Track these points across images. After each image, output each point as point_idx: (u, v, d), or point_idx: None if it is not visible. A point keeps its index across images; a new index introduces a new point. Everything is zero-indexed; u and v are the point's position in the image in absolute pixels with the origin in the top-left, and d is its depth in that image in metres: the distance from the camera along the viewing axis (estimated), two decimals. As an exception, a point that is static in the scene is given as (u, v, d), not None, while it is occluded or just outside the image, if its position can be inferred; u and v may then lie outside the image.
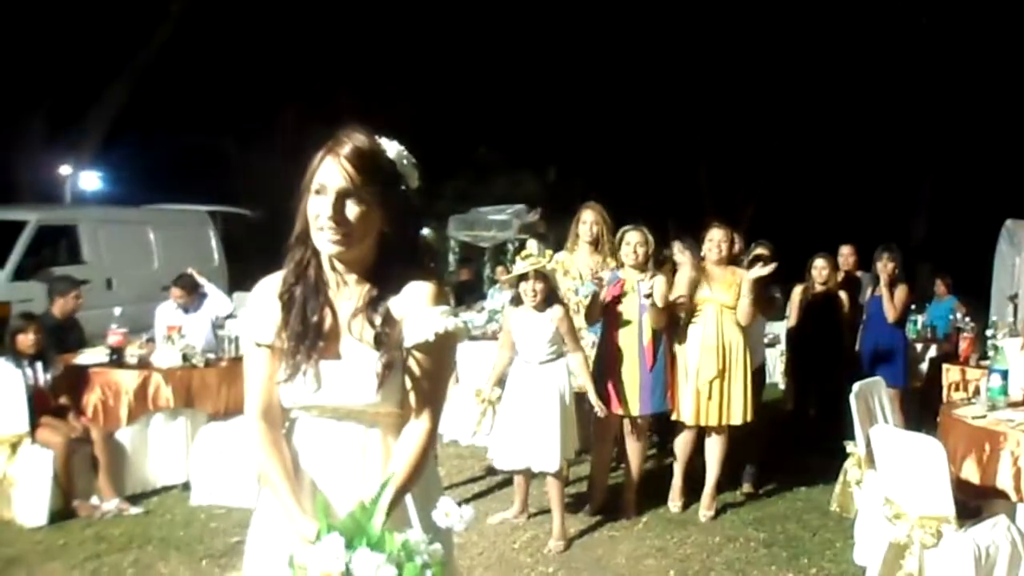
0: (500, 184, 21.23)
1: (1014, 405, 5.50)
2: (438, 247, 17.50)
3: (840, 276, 8.13)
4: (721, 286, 6.13)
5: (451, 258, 16.37)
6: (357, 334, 2.22)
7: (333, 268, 2.25)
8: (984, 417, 5.26)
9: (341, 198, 2.14)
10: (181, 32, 17.29)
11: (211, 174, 19.96)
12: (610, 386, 5.97)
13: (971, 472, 5.04)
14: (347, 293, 2.25)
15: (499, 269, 12.43)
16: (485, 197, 18.97)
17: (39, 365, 6.24)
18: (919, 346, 9.16)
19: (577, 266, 6.55)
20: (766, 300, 6.70)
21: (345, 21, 19.34)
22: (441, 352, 2.23)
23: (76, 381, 6.55)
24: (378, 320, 2.20)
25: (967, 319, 8.67)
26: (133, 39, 16.95)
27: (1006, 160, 23.00)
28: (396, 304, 2.21)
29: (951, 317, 9.81)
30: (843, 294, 7.76)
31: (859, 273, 8.54)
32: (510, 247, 14.70)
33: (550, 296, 5.64)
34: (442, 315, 2.20)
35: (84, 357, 6.91)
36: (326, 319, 2.24)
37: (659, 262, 6.23)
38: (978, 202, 22.24)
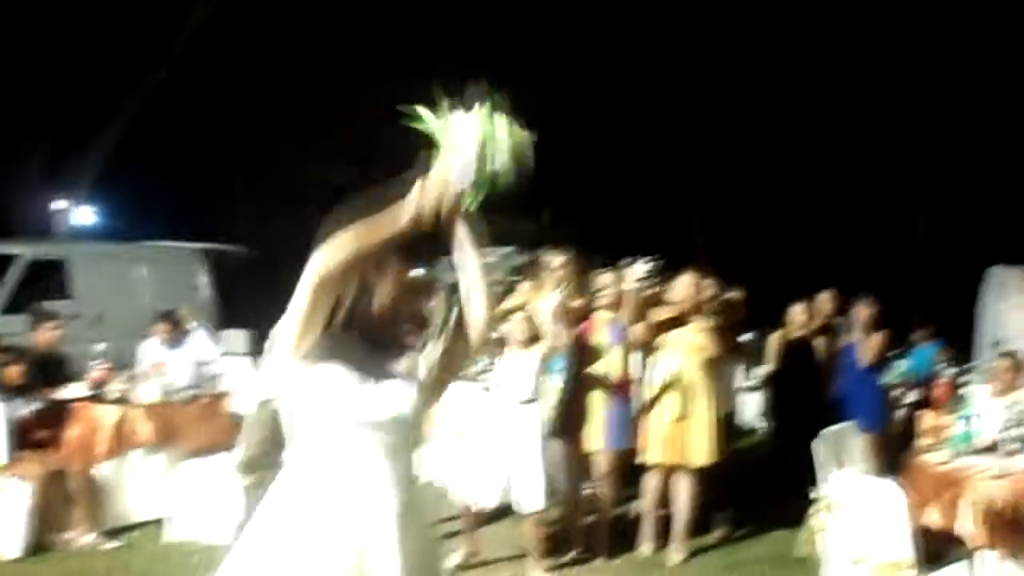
0: (494, 226, 21.38)
1: (979, 451, 5.58)
2: (431, 288, 17.60)
3: (819, 322, 8.20)
4: (688, 328, 6.21)
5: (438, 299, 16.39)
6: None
7: None
8: (948, 463, 5.34)
9: None
10: (179, 69, 17.47)
11: (208, 211, 20.07)
12: (578, 422, 6.03)
13: (934, 518, 5.10)
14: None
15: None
16: (478, 238, 19.09)
17: (22, 398, 6.31)
18: (898, 391, 9.20)
19: (544, 308, 6.62)
20: (731, 346, 6.78)
21: (340, 62, 19.53)
22: None
23: (57, 415, 6.61)
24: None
25: (944, 365, 8.74)
26: (131, 76, 17.12)
27: (996, 205, 23.14)
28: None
29: (932, 362, 9.91)
30: (821, 340, 7.84)
31: (838, 319, 8.60)
32: (498, 289, 14.75)
33: (535, 334, 5.73)
34: None
35: (66, 391, 6.95)
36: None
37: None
38: (970, 247, 22.37)
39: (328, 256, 2.50)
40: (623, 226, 24.01)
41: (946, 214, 25.28)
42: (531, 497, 5.63)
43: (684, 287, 6.29)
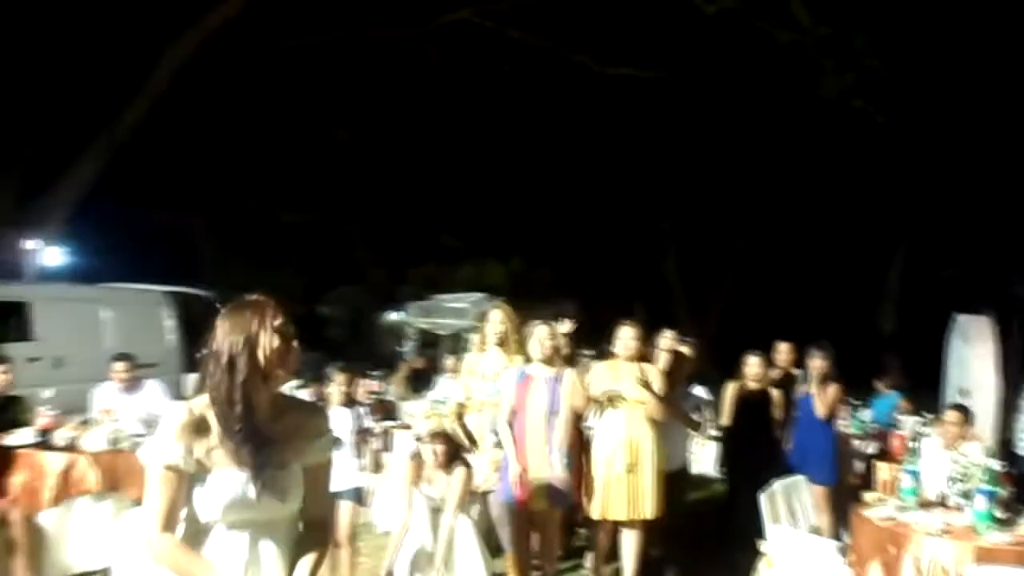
0: (466, 272, 21.49)
1: (925, 505, 5.56)
2: (402, 333, 17.58)
3: (777, 373, 8.20)
4: (631, 382, 6.18)
5: (408, 344, 16.39)
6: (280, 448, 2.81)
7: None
8: (892, 519, 5.32)
9: None
10: (153, 112, 17.46)
11: (177, 254, 20.09)
12: (519, 479, 5.96)
13: (877, 574, 5.08)
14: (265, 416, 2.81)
15: (449, 360, 12.43)
16: (451, 284, 19.22)
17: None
18: (858, 442, 9.17)
19: (483, 367, 6.58)
20: (683, 416, 6.78)
21: (315, 110, 19.62)
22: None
23: (1, 461, 6.52)
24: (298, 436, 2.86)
25: (899, 416, 8.74)
26: (105, 117, 17.09)
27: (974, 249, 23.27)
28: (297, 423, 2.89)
29: (893, 412, 9.88)
30: (776, 391, 7.82)
31: (795, 370, 8.58)
32: (467, 336, 14.78)
33: (454, 453, 5.64)
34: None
35: (12, 437, 6.87)
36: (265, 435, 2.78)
37: (568, 358, 6.28)
38: (944, 293, 22.43)
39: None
40: (597, 270, 24.12)
41: (923, 258, 25.41)
42: None
43: (625, 341, 6.26)
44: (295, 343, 2.84)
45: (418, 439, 5.80)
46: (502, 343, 6.44)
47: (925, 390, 11.28)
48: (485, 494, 6.01)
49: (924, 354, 13.79)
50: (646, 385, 6.16)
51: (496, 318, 6.56)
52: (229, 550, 2.74)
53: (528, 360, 6.09)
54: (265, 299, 2.89)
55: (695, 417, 7.36)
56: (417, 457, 5.77)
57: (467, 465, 5.70)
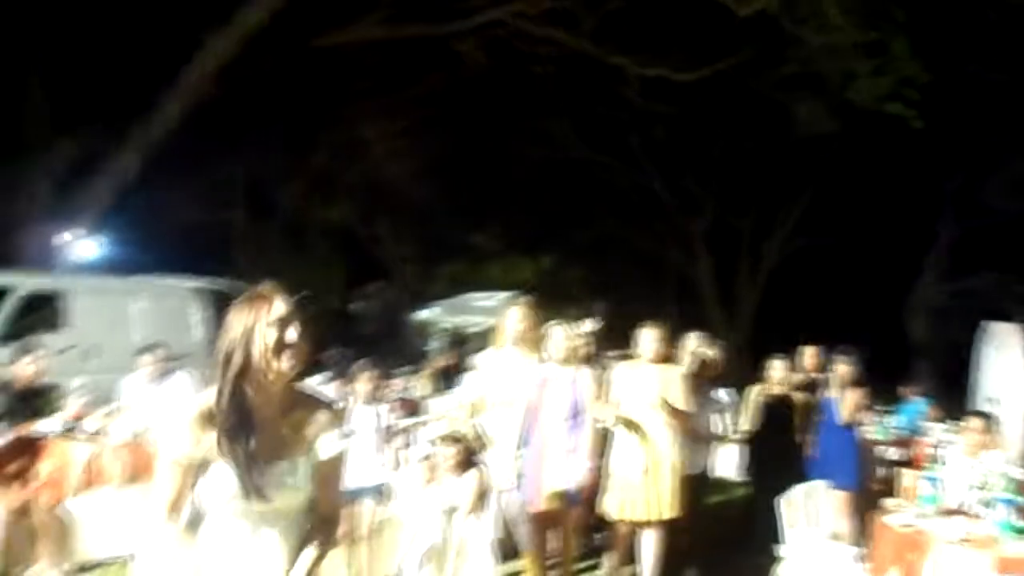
0: (495, 270, 21.51)
1: (945, 513, 5.52)
2: (430, 330, 17.61)
3: (802, 377, 8.16)
4: (652, 383, 6.17)
5: (435, 343, 16.40)
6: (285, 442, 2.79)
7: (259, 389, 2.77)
8: (912, 525, 5.28)
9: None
10: (188, 106, 17.57)
11: (214, 248, 20.20)
12: (536, 478, 5.96)
13: (895, 580, 5.05)
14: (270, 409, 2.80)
15: (475, 357, 12.45)
16: (481, 282, 19.23)
17: (-7, 431, 6.31)
18: (882, 448, 9.11)
19: (500, 364, 6.57)
20: (700, 433, 6.79)
21: (346, 103, 19.69)
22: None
23: (27, 449, 6.60)
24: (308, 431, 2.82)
25: (925, 423, 8.68)
26: (144, 108, 17.23)
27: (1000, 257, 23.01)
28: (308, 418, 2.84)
29: (920, 419, 9.84)
30: (800, 395, 7.78)
31: (821, 375, 8.52)
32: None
33: (467, 456, 5.63)
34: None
35: (39, 426, 6.96)
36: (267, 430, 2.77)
37: (588, 358, 6.28)
38: (976, 299, 22.19)
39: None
40: (629, 271, 24.06)
41: (956, 265, 25.16)
42: None
43: (647, 342, 6.25)
44: (296, 336, 2.77)
45: (432, 443, 5.80)
46: (520, 341, 6.44)
47: (956, 397, 11.17)
48: (502, 493, 6.01)
49: (956, 361, 13.67)
50: (667, 406, 6.12)
51: (515, 316, 6.56)
52: (230, 538, 2.78)
53: (545, 359, 6.09)
54: (269, 292, 2.83)
55: (717, 420, 7.33)
56: (429, 459, 5.79)
57: (480, 468, 5.70)
